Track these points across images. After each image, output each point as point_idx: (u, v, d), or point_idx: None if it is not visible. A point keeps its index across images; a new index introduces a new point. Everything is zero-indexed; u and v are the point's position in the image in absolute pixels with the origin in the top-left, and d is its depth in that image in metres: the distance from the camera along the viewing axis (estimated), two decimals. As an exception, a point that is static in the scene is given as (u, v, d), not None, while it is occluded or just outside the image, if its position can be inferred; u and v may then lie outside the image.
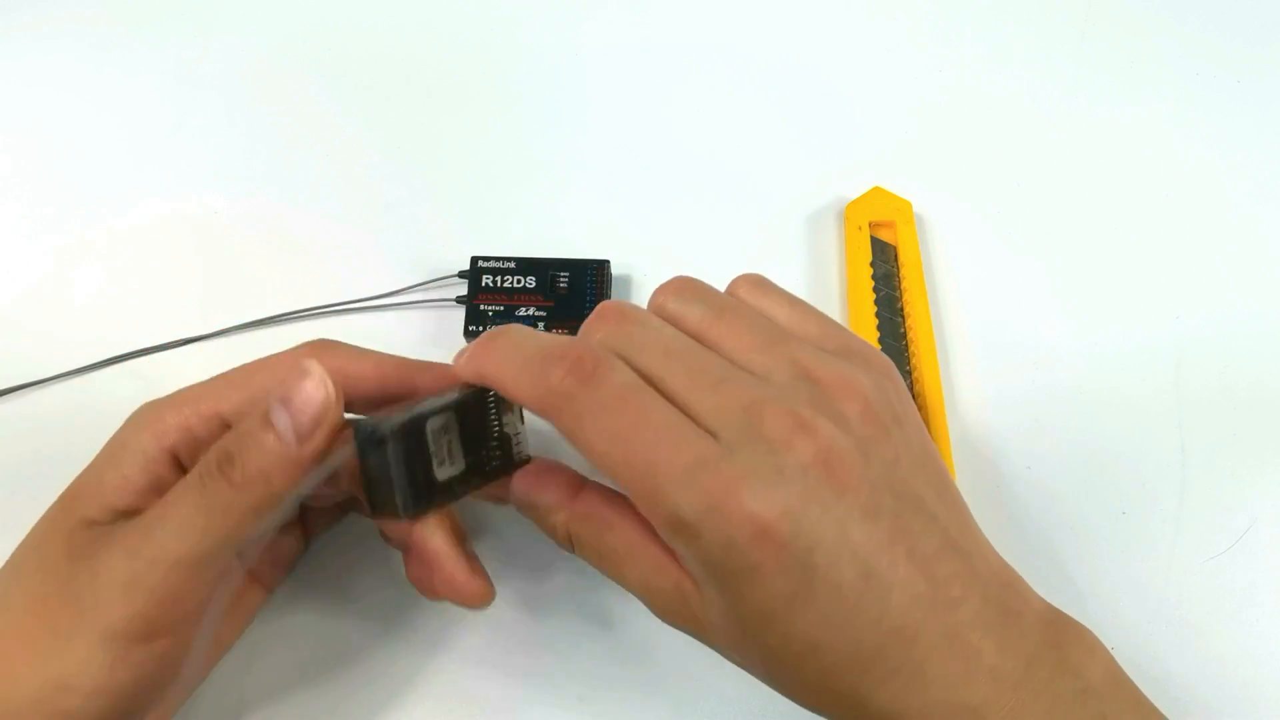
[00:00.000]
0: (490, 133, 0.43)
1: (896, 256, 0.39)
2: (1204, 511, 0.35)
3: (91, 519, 0.26)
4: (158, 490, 0.26)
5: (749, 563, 0.22)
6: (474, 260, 0.38)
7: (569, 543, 0.27)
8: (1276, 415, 0.37)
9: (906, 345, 0.37)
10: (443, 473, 0.27)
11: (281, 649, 0.33)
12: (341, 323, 0.39)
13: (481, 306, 0.37)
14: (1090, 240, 0.40)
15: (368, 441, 0.25)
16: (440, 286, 0.39)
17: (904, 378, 0.37)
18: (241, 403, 0.28)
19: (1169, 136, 0.42)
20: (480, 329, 0.37)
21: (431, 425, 0.26)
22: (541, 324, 0.37)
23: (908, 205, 0.40)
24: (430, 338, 0.39)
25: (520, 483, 0.28)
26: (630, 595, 0.27)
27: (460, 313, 0.37)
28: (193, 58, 0.45)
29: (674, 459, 0.23)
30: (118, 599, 0.24)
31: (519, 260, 0.38)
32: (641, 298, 0.39)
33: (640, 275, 0.40)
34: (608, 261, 0.38)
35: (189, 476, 0.25)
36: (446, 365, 0.29)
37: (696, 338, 0.26)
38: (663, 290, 0.28)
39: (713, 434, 0.23)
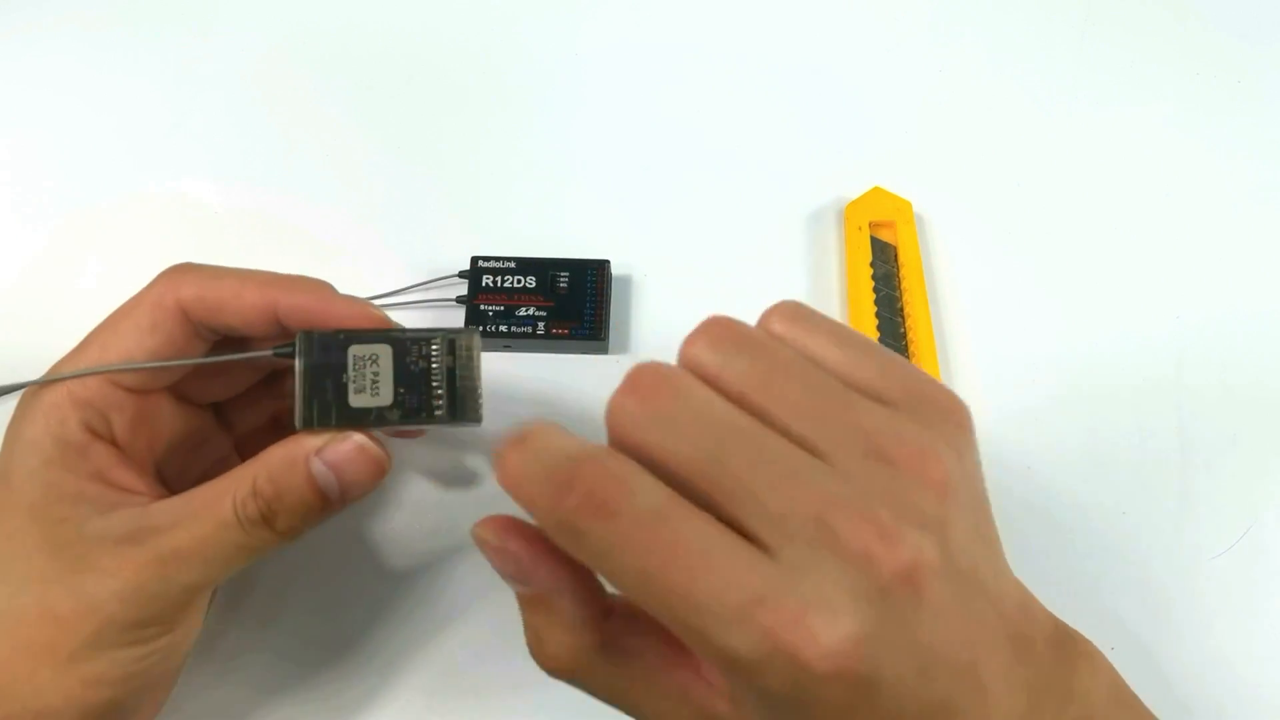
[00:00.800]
0: (490, 132, 0.43)
1: (896, 256, 0.39)
2: (1204, 511, 0.35)
3: (75, 515, 0.26)
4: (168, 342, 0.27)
5: (816, 696, 0.19)
6: (474, 260, 0.38)
7: (569, 672, 0.23)
8: (1276, 415, 0.37)
9: (906, 345, 0.37)
10: (359, 400, 0.26)
11: (267, 648, 0.33)
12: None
13: (481, 306, 0.37)
14: (1090, 240, 0.40)
15: (295, 348, 0.26)
16: (440, 286, 0.39)
17: None
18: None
19: (1169, 136, 0.42)
20: (480, 329, 0.37)
21: (355, 351, 0.26)
22: (542, 324, 0.37)
23: (908, 205, 0.40)
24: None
25: (552, 568, 0.23)
26: None
27: (460, 313, 0.37)
28: (192, 57, 0.45)
29: (724, 596, 0.19)
30: (147, 604, 0.25)
31: (519, 260, 0.38)
32: (642, 297, 0.39)
33: (640, 275, 0.40)
34: (608, 261, 0.38)
35: (225, 513, 0.25)
36: (315, 281, 0.28)
37: (740, 402, 0.22)
38: (696, 339, 0.23)
39: (770, 548, 0.20)
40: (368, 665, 0.33)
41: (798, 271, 0.40)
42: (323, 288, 0.29)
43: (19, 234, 0.41)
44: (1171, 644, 0.32)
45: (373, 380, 0.27)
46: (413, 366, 0.27)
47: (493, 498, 0.35)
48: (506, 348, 0.38)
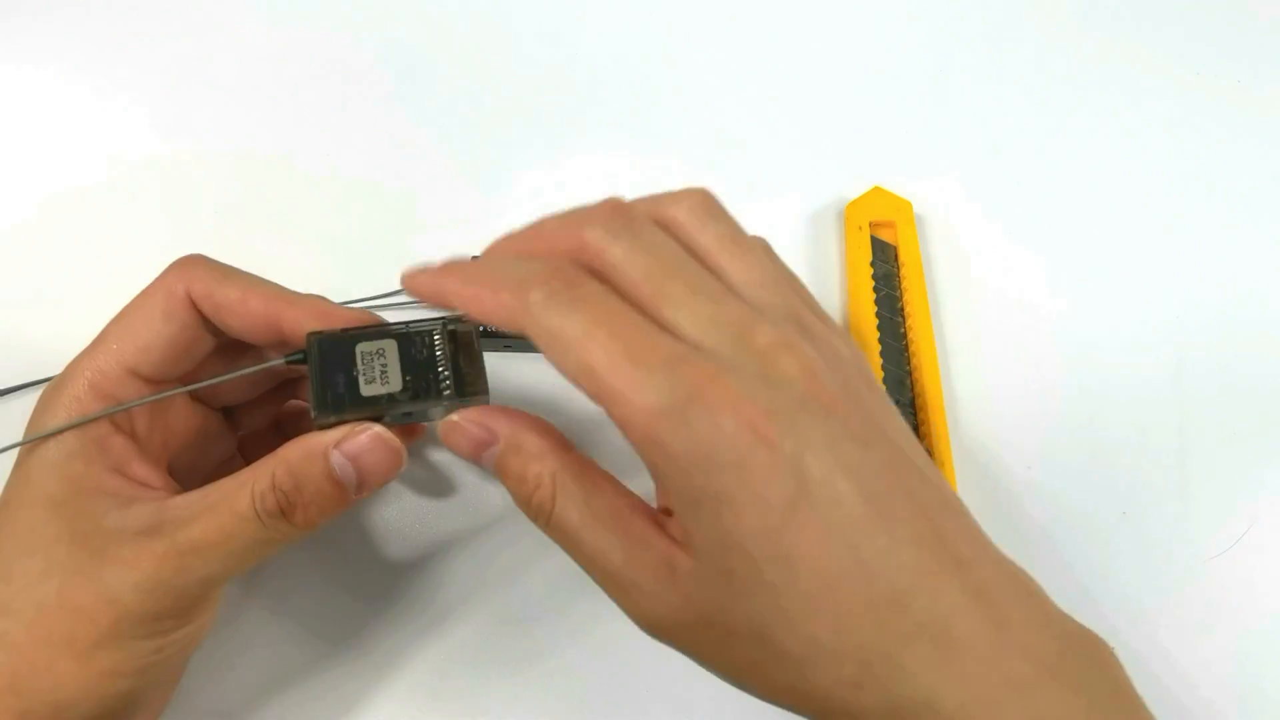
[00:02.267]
0: (490, 132, 0.43)
1: (897, 256, 0.39)
2: (1204, 511, 0.35)
3: (94, 509, 0.26)
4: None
5: (739, 455, 0.21)
6: (474, 260, 0.38)
7: (549, 501, 0.25)
8: (1276, 415, 0.37)
9: (907, 345, 0.37)
10: (370, 389, 0.27)
11: (263, 648, 0.33)
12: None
13: (482, 306, 0.37)
14: (1090, 240, 0.40)
15: (305, 350, 0.28)
16: (440, 286, 0.39)
17: (904, 378, 0.37)
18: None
19: (1169, 137, 0.42)
20: (480, 329, 0.37)
21: (363, 349, 0.28)
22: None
23: (908, 205, 0.40)
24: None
25: (510, 421, 0.26)
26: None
27: (460, 313, 0.37)
28: (192, 56, 0.45)
29: (655, 350, 0.22)
30: (164, 596, 0.25)
31: (519, 260, 0.38)
32: (642, 298, 0.39)
33: (640, 275, 0.40)
34: (608, 261, 0.38)
35: (243, 506, 0.26)
36: (318, 299, 0.29)
37: (703, 258, 0.25)
38: (682, 198, 0.26)
39: (696, 344, 0.23)
40: (366, 659, 0.33)
41: (798, 271, 0.39)
42: (324, 303, 0.29)
43: (19, 232, 0.41)
44: (1172, 644, 0.32)
45: (381, 371, 0.28)
46: (418, 355, 0.28)
47: (484, 491, 0.35)
48: (506, 348, 0.38)
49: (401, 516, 0.35)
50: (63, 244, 0.41)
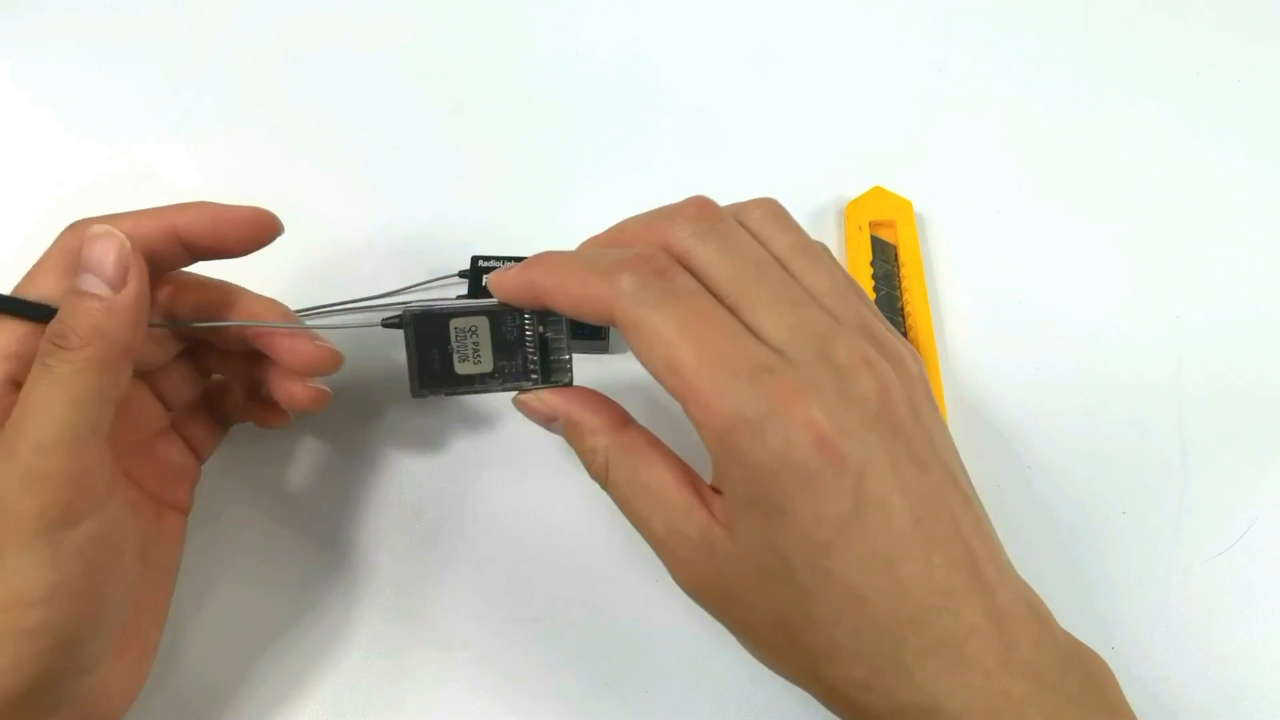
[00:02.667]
0: (491, 132, 0.43)
1: (897, 256, 0.39)
2: (1204, 511, 0.35)
3: None
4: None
5: (807, 471, 0.22)
6: (474, 260, 0.38)
7: (604, 471, 0.27)
8: (1276, 415, 0.37)
9: (907, 335, 0.37)
10: (464, 368, 0.29)
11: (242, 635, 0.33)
12: (341, 323, 0.39)
13: (482, 306, 0.37)
14: (1090, 240, 0.40)
15: (403, 323, 0.29)
16: (440, 286, 0.39)
17: None
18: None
19: (1169, 136, 0.42)
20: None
21: (456, 324, 0.29)
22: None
23: (908, 204, 0.40)
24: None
25: (570, 401, 0.28)
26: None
27: (460, 312, 0.37)
28: (192, 56, 0.45)
29: (741, 357, 0.23)
30: (23, 496, 0.23)
31: (520, 260, 0.38)
32: (642, 297, 0.39)
33: (640, 275, 0.40)
34: (608, 261, 0.38)
35: (32, 371, 0.25)
36: (201, 202, 0.29)
37: (780, 264, 0.26)
38: (754, 207, 0.27)
39: (780, 352, 0.23)
40: (366, 665, 0.33)
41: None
42: (209, 205, 0.29)
43: (18, 232, 0.41)
44: (1171, 644, 0.32)
45: (474, 350, 0.29)
46: (509, 335, 0.29)
47: (476, 461, 0.35)
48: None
49: (410, 522, 0.35)
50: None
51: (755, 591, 0.24)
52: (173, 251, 0.29)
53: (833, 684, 0.24)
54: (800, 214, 0.40)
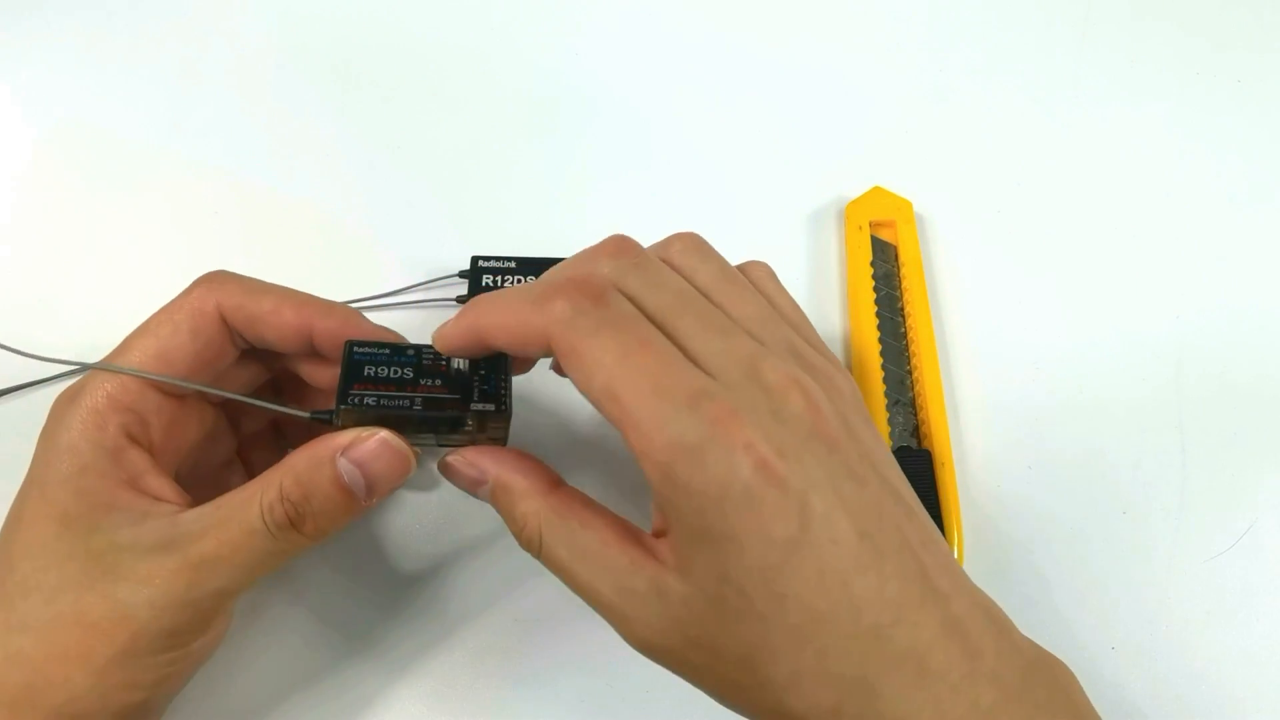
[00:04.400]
0: (490, 132, 0.43)
1: (897, 256, 0.39)
2: (1204, 511, 0.35)
3: (108, 524, 0.26)
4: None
5: (750, 496, 0.22)
6: (474, 260, 0.38)
7: (537, 538, 0.26)
8: (1276, 415, 0.37)
9: (907, 345, 0.37)
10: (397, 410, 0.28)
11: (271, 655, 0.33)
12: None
13: (482, 306, 0.37)
14: (1090, 240, 0.40)
15: (343, 354, 0.28)
16: (440, 286, 0.39)
17: (905, 377, 0.37)
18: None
19: (1169, 136, 0.42)
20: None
21: (393, 369, 0.28)
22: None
23: (908, 205, 0.40)
24: (430, 338, 0.38)
25: (496, 463, 0.28)
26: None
27: (460, 312, 0.37)
28: (192, 56, 0.45)
29: (679, 385, 0.23)
30: (176, 615, 0.25)
31: (519, 260, 0.38)
32: (642, 297, 0.39)
33: (640, 275, 0.40)
34: (608, 261, 0.38)
35: (253, 519, 0.26)
36: (347, 308, 0.30)
37: (703, 294, 0.26)
38: (674, 241, 0.28)
39: (712, 377, 0.24)
40: (378, 662, 0.33)
41: (798, 271, 0.40)
42: (354, 315, 0.30)
43: (18, 232, 0.41)
44: (1171, 644, 0.32)
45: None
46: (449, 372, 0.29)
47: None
48: (506, 348, 0.38)
49: (412, 523, 0.35)
50: (62, 243, 0.41)
51: (714, 632, 0.23)
52: (294, 344, 0.29)
53: (801, 714, 0.23)
54: (801, 214, 0.41)
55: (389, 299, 0.39)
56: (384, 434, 0.27)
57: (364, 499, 0.27)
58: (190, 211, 0.41)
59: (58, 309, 0.39)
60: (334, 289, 0.39)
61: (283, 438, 0.34)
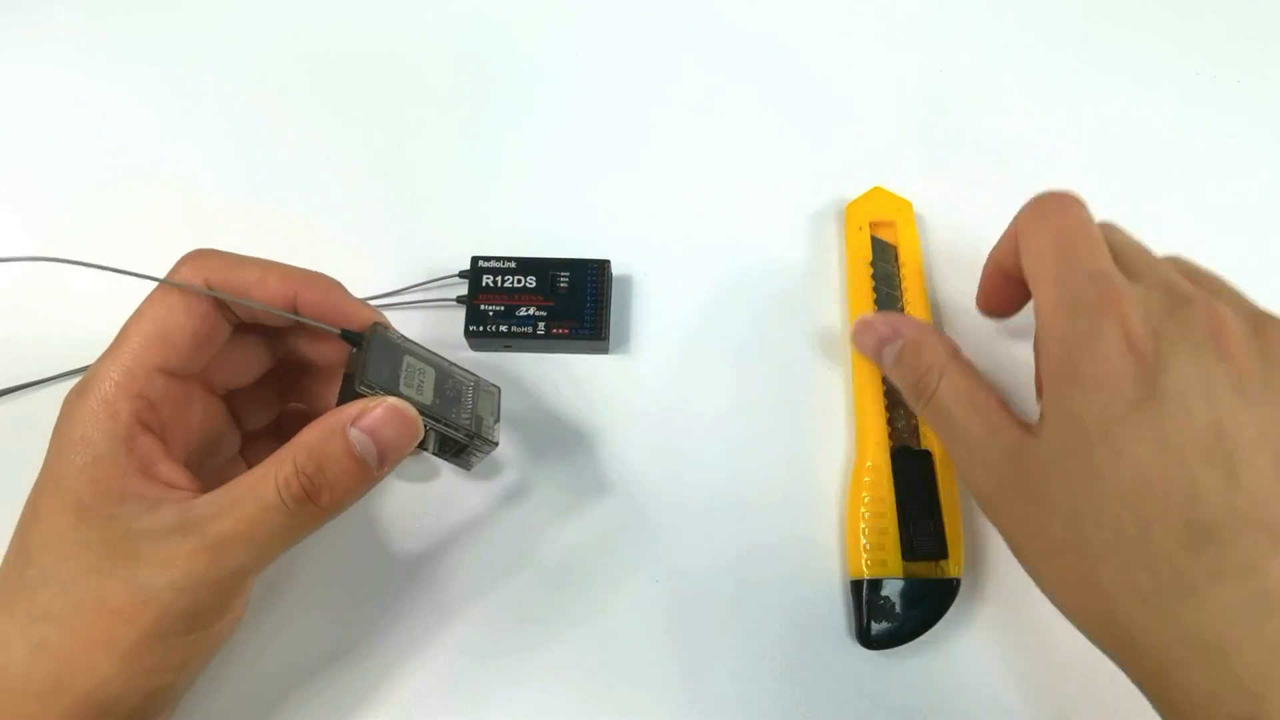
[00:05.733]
0: (491, 132, 0.43)
1: (897, 257, 0.39)
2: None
3: (122, 512, 0.26)
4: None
5: (1106, 353, 0.25)
6: (474, 260, 0.38)
7: (933, 386, 0.30)
8: (1277, 415, 0.37)
9: None
10: (407, 391, 0.29)
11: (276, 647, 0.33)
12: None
13: (482, 306, 0.37)
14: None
15: (364, 336, 0.30)
16: (440, 286, 0.39)
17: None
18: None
19: (1169, 136, 0.42)
20: (480, 329, 0.37)
21: (409, 360, 0.30)
22: (542, 323, 0.37)
23: (908, 205, 0.40)
24: (431, 337, 0.38)
25: (912, 324, 0.33)
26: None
27: (461, 312, 0.37)
28: (192, 56, 0.45)
29: (1091, 261, 0.27)
30: (198, 595, 0.26)
31: (519, 260, 0.38)
32: (642, 297, 0.39)
33: (640, 275, 0.40)
34: (608, 261, 0.38)
35: (268, 495, 0.26)
36: (330, 279, 0.31)
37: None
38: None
39: (1136, 280, 0.27)
40: (370, 661, 0.33)
41: (798, 271, 0.40)
42: (337, 287, 0.31)
43: (18, 232, 0.41)
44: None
45: (419, 385, 0.30)
46: (449, 391, 0.31)
47: (480, 490, 0.35)
48: (507, 348, 0.38)
49: (403, 516, 0.35)
50: (66, 241, 0.41)
51: (1053, 485, 0.25)
52: (274, 317, 0.30)
53: (1114, 598, 0.23)
54: (801, 215, 0.41)
55: (389, 299, 0.39)
56: (391, 401, 0.28)
57: (376, 467, 0.27)
58: (190, 211, 0.41)
59: (59, 308, 0.39)
60: (334, 289, 0.39)
61: (284, 435, 0.34)
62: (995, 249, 0.33)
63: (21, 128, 0.44)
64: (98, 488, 0.26)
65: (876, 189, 0.40)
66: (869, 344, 0.34)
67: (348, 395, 0.29)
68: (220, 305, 0.29)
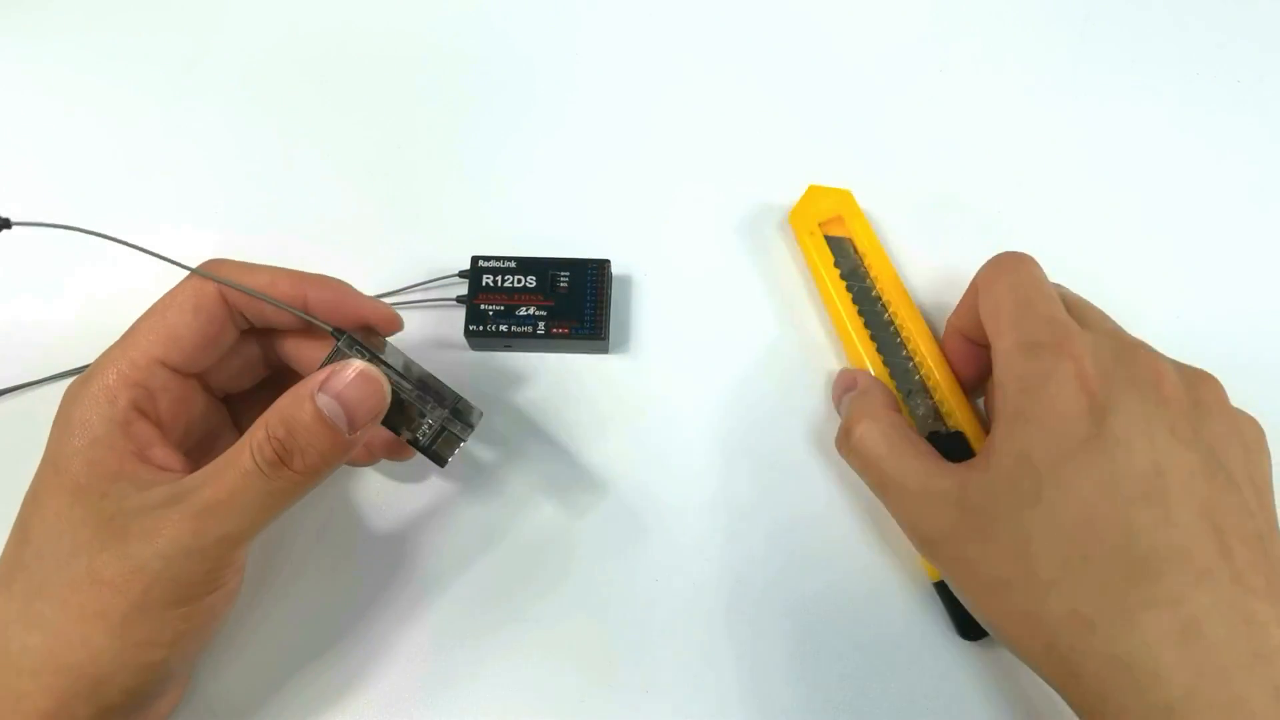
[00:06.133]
0: (490, 133, 0.43)
1: (855, 249, 0.38)
2: (1204, 511, 0.35)
3: (115, 491, 0.27)
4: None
5: (1059, 393, 0.26)
6: (474, 260, 0.38)
7: (859, 428, 0.32)
8: (1276, 416, 0.37)
9: (897, 331, 0.36)
10: (384, 359, 0.30)
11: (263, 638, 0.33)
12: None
13: (482, 306, 0.37)
14: (1090, 240, 0.40)
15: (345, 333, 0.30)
16: (440, 286, 0.39)
17: (906, 364, 0.36)
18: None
19: (1169, 136, 0.42)
20: (480, 328, 0.37)
21: (392, 352, 0.31)
22: (542, 323, 0.37)
23: (847, 193, 0.39)
24: (431, 337, 0.39)
25: (869, 379, 0.35)
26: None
27: (461, 312, 0.37)
28: (192, 56, 0.45)
29: (1047, 310, 0.29)
30: (186, 565, 0.26)
31: (519, 260, 0.38)
32: (642, 297, 0.39)
33: (640, 275, 0.40)
34: (608, 261, 0.38)
35: (245, 461, 0.27)
36: (339, 280, 0.32)
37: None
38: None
39: (1085, 329, 0.29)
40: (358, 640, 0.33)
41: (797, 271, 0.40)
42: (346, 286, 0.32)
43: (18, 233, 0.41)
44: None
45: (403, 366, 0.31)
46: (430, 386, 0.31)
47: (464, 484, 0.35)
48: (506, 347, 0.38)
49: (398, 522, 0.35)
50: (68, 242, 0.41)
51: (997, 519, 0.26)
52: (290, 318, 0.31)
53: (1056, 626, 0.25)
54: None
55: (389, 299, 0.39)
56: (356, 363, 0.28)
57: (346, 431, 0.27)
58: (191, 211, 0.41)
59: (59, 308, 0.39)
60: (334, 289, 0.39)
61: None
62: (954, 314, 0.34)
63: (21, 128, 0.44)
64: (94, 468, 0.27)
65: (812, 188, 0.39)
66: (836, 391, 0.36)
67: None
68: (229, 310, 0.30)
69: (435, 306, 0.39)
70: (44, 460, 0.28)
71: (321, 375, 0.28)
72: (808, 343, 0.38)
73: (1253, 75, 0.44)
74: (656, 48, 0.45)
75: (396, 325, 0.33)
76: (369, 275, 0.39)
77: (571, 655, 0.33)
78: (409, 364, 0.32)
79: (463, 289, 0.38)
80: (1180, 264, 0.40)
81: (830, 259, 0.38)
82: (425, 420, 0.30)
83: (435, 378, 0.32)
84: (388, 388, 0.29)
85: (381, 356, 0.30)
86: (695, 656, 0.33)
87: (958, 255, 0.40)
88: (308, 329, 0.32)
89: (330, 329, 0.30)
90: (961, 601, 0.29)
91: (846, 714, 0.33)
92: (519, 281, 0.38)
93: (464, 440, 0.31)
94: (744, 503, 0.36)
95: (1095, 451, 0.25)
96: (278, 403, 0.28)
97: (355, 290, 0.32)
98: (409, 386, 0.30)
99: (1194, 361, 0.37)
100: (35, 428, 0.29)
